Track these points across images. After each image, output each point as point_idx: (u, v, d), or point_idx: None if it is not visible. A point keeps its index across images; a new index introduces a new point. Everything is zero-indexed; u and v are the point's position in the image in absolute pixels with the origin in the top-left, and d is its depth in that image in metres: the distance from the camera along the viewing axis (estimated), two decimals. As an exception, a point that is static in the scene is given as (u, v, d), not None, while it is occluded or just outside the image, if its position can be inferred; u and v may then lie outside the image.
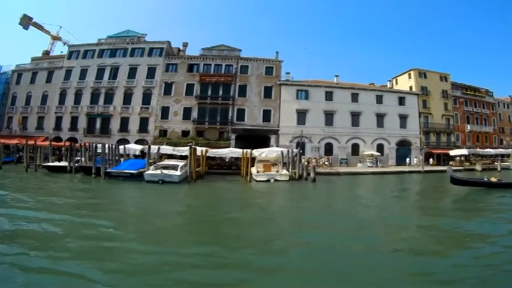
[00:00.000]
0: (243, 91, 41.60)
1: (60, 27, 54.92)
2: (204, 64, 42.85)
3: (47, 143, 35.15)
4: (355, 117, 41.85)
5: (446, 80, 48.17)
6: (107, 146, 27.39)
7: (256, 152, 29.66)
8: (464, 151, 41.31)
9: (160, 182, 21.05)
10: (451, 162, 42.41)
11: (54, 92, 44.74)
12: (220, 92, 41.66)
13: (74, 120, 43.49)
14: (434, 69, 48.21)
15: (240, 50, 44.44)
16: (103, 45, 45.72)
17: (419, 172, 35.82)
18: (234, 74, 41.91)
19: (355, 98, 42.30)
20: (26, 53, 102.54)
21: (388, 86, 46.01)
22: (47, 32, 54.29)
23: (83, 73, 44.63)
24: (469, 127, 47.75)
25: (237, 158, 31.54)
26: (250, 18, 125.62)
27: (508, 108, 54.90)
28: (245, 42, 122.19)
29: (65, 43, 53.07)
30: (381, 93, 43.49)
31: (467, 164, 40.91)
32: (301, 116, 40.83)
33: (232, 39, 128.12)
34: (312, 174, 26.13)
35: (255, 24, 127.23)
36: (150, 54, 44.13)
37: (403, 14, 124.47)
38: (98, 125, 42.79)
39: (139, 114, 42.31)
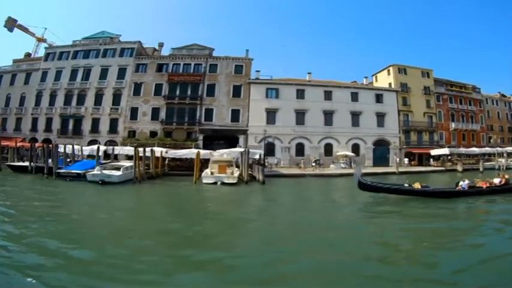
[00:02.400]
0: (211, 90, 38.78)
1: (45, 29, 53.67)
2: (173, 64, 40.24)
3: (23, 144, 35.00)
4: (329, 115, 38.32)
5: (428, 76, 43.94)
6: (62, 147, 28.31)
7: (216, 153, 27.87)
8: (445, 150, 37.08)
9: (100, 182, 20.12)
10: (432, 163, 38.46)
11: (32, 94, 43.20)
12: (189, 92, 38.98)
13: (49, 122, 41.89)
14: (416, 65, 43.73)
15: (212, 49, 41.63)
16: (77, 47, 43.77)
17: (393, 173, 31.95)
18: (202, 73, 39.15)
19: (328, 96, 38.75)
20: (12, 54, 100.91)
21: (364, 83, 41.93)
22: (32, 34, 53.03)
23: (58, 74, 42.88)
24: (453, 125, 43.33)
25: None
26: (230, 17, 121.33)
27: (497, 104, 50.08)
28: (223, 42, 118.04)
29: (49, 45, 51.28)
30: (357, 90, 39.75)
31: (449, 164, 36.72)
32: (271, 115, 37.62)
33: (218, 40, 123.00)
34: (260, 177, 23.61)
35: (237, 24, 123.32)
36: (121, 55, 41.90)
37: (391, 11, 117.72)
38: (70, 126, 40.87)
39: (110, 115, 40.17)
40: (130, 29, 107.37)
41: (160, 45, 43.99)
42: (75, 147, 29.55)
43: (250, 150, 31.01)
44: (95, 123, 40.39)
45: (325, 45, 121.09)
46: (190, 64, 39.93)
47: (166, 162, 30.39)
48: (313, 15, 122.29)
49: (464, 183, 14.77)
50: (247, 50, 39.71)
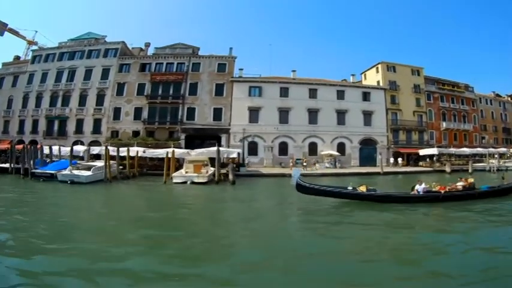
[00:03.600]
0: (194, 89, 37.46)
1: (36, 32, 52.98)
2: (156, 63, 39.11)
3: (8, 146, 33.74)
4: (313, 114, 36.57)
5: (418, 74, 41.98)
6: (47, 148, 28.20)
7: (194, 153, 26.58)
8: (434, 150, 34.91)
9: (69, 182, 19.94)
10: (420, 163, 36.33)
11: (19, 96, 42.61)
12: (171, 91, 37.75)
13: (35, 123, 41.20)
14: (406, 63, 41.85)
15: (197, 48, 40.49)
16: (63, 49, 43.03)
17: (378, 174, 30.04)
18: (185, 72, 37.92)
19: (313, 94, 37.07)
20: (2, 58, 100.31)
21: (351, 81, 40.06)
22: (23, 37, 52.55)
23: (44, 76, 42.19)
24: (444, 124, 41.16)
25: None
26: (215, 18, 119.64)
27: (491, 104, 47.76)
28: (211, 42, 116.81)
29: (40, 47, 50.71)
30: (343, 88, 37.99)
31: (438, 164, 34.48)
32: (254, 113, 36.02)
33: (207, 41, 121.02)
34: (230, 177, 22.41)
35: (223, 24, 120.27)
36: (105, 55, 40.95)
37: (383, 9, 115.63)
38: (56, 127, 39.95)
39: (93, 115, 39.21)
40: (121, 31, 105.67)
41: (147, 45, 42.92)
42: (54, 148, 29.17)
43: (230, 149, 30.12)
44: (79, 124, 39.52)
45: (315, 44, 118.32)
46: (173, 63, 38.78)
47: (148, 162, 30.05)
48: (303, 13, 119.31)
49: (420, 187, 12.58)
50: (230, 48, 38.47)
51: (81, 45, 42.33)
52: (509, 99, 50.95)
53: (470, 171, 30.96)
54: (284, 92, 36.67)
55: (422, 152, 36.25)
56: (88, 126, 39.04)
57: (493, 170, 32.07)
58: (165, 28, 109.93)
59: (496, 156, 36.37)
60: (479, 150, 37.63)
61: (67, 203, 14.37)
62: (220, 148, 28.39)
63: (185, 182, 21.25)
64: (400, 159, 36.32)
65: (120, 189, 20.08)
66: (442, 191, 12.47)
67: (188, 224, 10.39)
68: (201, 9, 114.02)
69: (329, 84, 37.86)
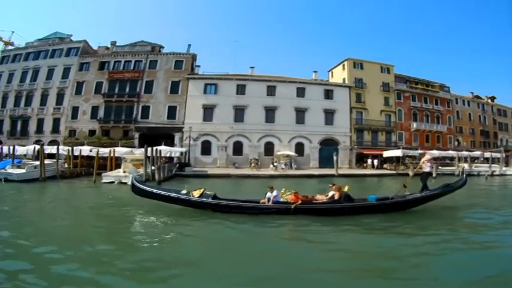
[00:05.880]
0: (149, 87, 35.58)
1: (13, 32, 51.90)
2: (115, 61, 37.45)
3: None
4: (270, 112, 33.95)
5: (388, 72, 38.88)
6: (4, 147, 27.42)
7: (138, 151, 25.13)
8: (398, 152, 31.55)
9: (2, 180, 19.25)
10: (385, 165, 33.04)
11: (-13, 97, 40.90)
12: (127, 89, 35.86)
13: (0, 124, 39.21)
14: (376, 60, 38.86)
15: (162, 47, 38.44)
16: (29, 49, 41.76)
17: (332, 176, 26.96)
18: (142, 70, 35.94)
19: (271, 91, 34.47)
20: None
21: (313, 78, 37.09)
22: (-1, 38, 51.31)
23: (10, 77, 40.97)
24: (415, 125, 37.78)
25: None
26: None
27: (469, 105, 43.96)
28: (176, 41, 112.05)
29: (16, 48, 49.76)
30: (303, 85, 35.20)
31: (402, 167, 31.11)
32: (208, 112, 33.67)
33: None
34: (156, 177, 21.22)
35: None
36: (67, 55, 39.52)
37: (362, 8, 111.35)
38: (19, 127, 38.53)
39: (53, 115, 37.69)
40: (99, 30, 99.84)
41: (113, 43, 41.20)
42: (4, 148, 28.26)
43: (174, 148, 28.47)
44: (40, 123, 38.05)
45: (284, 42, 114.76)
46: (131, 61, 36.98)
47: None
48: (271, 10, 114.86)
49: (271, 195, 9.57)
50: (189, 45, 36.54)
51: (46, 45, 41.11)
52: (489, 100, 46.96)
53: (434, 175, 27.33)
54: (241, 90, 34.21)
55: (386, 153, 33.00)
56: (48, 126, 37.56)
57: (461, 175, 28.42)
58: (137, 28, 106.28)
59: (467, 159, 32.75)
60: (450, 153, 34.00)
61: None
62: (162, 147, 26.76)
63: (113, 182, 19.97)
64: (376, 161, 33.30)
65: (46, 189, 18.41)
66: (296, 201, 9.40)
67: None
68: (162, 6, 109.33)
69: (289, 81, 35.15)
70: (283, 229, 8.26)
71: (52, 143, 34.21)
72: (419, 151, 33.91)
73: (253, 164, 29.74)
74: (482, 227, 8.47)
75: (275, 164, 29.91)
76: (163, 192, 10.09)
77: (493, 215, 10.14)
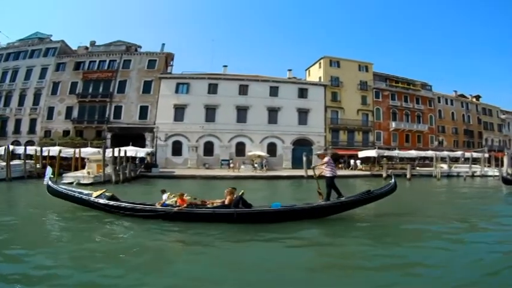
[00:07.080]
0: (122, 87, 35.01)
1: None
2: (90, 61, 36.90)
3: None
4: (242, 112, 33.01)
5: (367, 70, 37.51)
6: None
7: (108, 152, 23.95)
8: (373, 152, 30.26)
9: None
10: (360, 166, 31.76)
11: (-29, 98, 40.65)
12: (101, 89, 35.27)
13: (-19, 124, 39.00)
14: (354, 58, 37.52)
15: (139, 46, 37.68)
16: (9, 49, 41.30)
17: (301, 177, 25.79)
18: (115, 70, 35.30)
19: (243, 90, 33.53)
20: None
21: (288, 76, 35.90)
22: (-15, 38, 51.42)
23: (-9, 77, 40.13)
24: (394, 124, 36.40)
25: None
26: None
27: (452, 104, 42.26)
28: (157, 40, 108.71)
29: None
30: (277, 84, 34.12)
31: (377, 168, 29.76)
32: (179, 111, 32.88)
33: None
34: (113, 177, 20.40)
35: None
36: (45, 55, 39.08)
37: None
38: (-2, 127, 37.83)
39: (30, 115, 37.28)
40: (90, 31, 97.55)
41: (92, 43, 40.63)
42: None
43: (140, 148, 27.63)
44: (18, 124, 37.65)
45: (262, 41, 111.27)
46: (105, 61, 36.39)
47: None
48: (251, 8, 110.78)
49: (164, 197, 8.99)
50: (163, 44, 35.81)
51: (25, 46, 40.68)
52: (473, 99, 45.18)
53: (408, 176, 26.04)
54: (213, 89, 33.34)
55: (361, 154, 31.74)
56: (25, 126, 37.15)
57: (438, 176, 27.06)
58: (120, 28, 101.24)
59: (446, 160, 31.31)
60: (429, 153, 32.54)
61: None
62: (128, 148, 25.99)
63: (72, 183, 19.19)
64: (358, 162, 32.01)
65: (11, 189, 18.30)
66: (180, 205, 8.51)
67: None
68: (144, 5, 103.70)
69: (262, 79, 34.13)
70: (147, 233, 7.36)
71: (29, 143, 33.69)
72: (397, 151, 32.82)
73: (232, 165, 28.93)
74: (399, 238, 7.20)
75: (255, 165, 28.99)
76: (70, 193, 9.79)
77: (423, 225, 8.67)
